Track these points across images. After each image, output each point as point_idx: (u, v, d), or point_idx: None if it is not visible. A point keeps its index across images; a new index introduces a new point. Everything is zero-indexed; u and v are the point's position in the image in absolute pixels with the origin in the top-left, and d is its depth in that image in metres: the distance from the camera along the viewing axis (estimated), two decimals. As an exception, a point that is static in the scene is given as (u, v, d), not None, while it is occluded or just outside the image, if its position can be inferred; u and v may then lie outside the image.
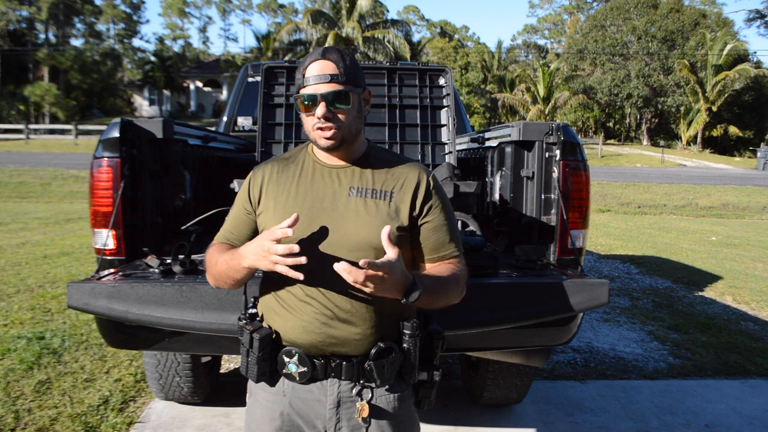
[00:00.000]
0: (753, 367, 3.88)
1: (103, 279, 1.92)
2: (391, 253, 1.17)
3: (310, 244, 1.29)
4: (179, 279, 1.96)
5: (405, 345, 1.36)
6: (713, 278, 6.58)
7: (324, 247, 1.31)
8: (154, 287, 1.83)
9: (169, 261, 2.06)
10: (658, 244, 8.92)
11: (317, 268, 1.27)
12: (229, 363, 3.78)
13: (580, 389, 3.47)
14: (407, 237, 1.37)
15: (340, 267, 1.11)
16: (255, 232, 1.42)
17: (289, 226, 1.20)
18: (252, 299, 1.49)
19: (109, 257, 2.18)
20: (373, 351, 1.33)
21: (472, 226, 2.54)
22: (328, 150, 1.35)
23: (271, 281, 1.37)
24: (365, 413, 1.35)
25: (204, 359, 2.90)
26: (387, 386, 1.39)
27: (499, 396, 3.01)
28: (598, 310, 5.03)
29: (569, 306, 1.96)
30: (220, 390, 3.28)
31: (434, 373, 1.43)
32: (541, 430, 2.98)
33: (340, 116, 1.32)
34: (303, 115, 1.35)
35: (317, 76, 1.30)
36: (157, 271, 2.02)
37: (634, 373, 3.75)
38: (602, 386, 3.52)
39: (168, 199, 2.45)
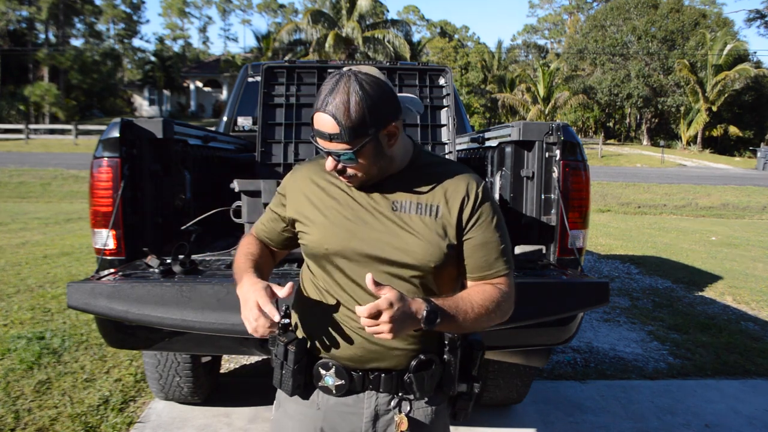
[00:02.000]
0: (753, 367, 3.88)
1: (103, 279, 1.92)
2: (382, 295, 1.11)
3: (350, 259, 1.26)
4: (179, 279, 1.96)
5: (445, 356, 1.31)
6: (713, 278, 6.58)
7: (364, 263, 1.25)
8: (154, 287, 1.83)
9: (169, 261, 2.06)
10: (658, 244, 8.92)
11: (356, 283, 1.26)
12: (229, 363, 3.78)
13: (580, 389, 3.47)
14: (454, 254, 1.28)
15: (360, 311, 1.11)
16: (289, 235, 1.41)
17: (281, 297, 1.20)
18: (284, 308, 1.40)
19: (109, 257, 2.18)
20: (413, 363, 1.29)
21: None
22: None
23: (309, 292, 1.35)
24: (404, 426, 1.31)
25: (204, 359, 2.90)
26: (426, 398, 1.34)
27: (499, 396, 3.01)
28: (598, 310, 5.03)
29: (569, 306, 1.96)
30: (220, 390, 3.28)
31: (474, 385, 1.38)
32: (541, 430, 2.97)
33: (352, 170, 1.23)
34: None
35: (319, 132, 1.19)
36: (157, 271, 2.02)
37: (634, 373, 3.75)
38: (602, 386, 3.52)
39: (168, 199, 2.44)
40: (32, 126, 28.32)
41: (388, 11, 40.72)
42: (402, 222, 1.26)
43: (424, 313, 1.15)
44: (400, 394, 1.32)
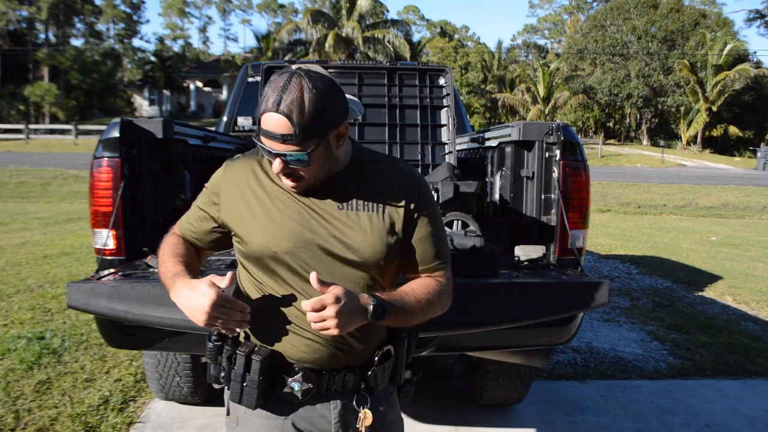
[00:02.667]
0: (753, 367, 3.88)
1: (103, 279, 1.92)
2: (327, 291, 1.11)
3: (300, 261, 1.22)
4: (179, 279, 1.96)
5: (399, 346, 1.35)
6: (713, 278, 6.58)
7: (314, 264, 1.22)
8: (154, 287, 1.83)
9: (169, 261, 2.06)
10: (658, 244, 8.92)
11: (309, 285, 1.20)
12: (229, 363, 3.78)
13: (580, 389, 3.47)
14: (398, 249, 1.28)
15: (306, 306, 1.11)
16: (219, 235, 1.34)
17: (227, 285, 1.14)
18: None
19: (109, 257, 2.18)
20: (377, 356, 1.31)
21: (472, 226, 2.54)
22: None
23: (255, 296, 1.28)
24: (368, 421, 1.30)
25: (204, 359, 2.90)
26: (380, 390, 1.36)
27: (499, 396, 3.01)
28: (598, 310, 5.03)
29: (569, 306, 1.96)
30: (220, 390, 3.27)
31: (418, 370, 1.43)
32: (541, 430, 2.97)
33: (301, 172, 1.18)
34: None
35: (269, 133, 1.12)
36: (157, 271, 2.02)
37: (634, 373, 3.75)
38: (602, 386, 3.52)
39: (168, 199, 2.45)
40: (32, 126, 28.32)
41: (388, 11, 40.74)
42: (349, 220, 1.24)
43: (371, 307, 1.15)
44: (362, 388, 1.32)
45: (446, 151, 3.36)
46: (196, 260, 1.38)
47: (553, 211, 2.38)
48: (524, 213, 2.50)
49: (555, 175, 2.34)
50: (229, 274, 1.15)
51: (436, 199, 2.54)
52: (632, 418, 3.11)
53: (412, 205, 1.28)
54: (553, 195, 2.38)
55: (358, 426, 1.32)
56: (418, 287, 1.28)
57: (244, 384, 1.25)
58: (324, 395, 1.31)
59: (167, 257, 1.31)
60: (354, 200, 1.25)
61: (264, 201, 1.25)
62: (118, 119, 2.18)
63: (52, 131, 28.80)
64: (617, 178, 18.63)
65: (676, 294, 5.82)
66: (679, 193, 16.08)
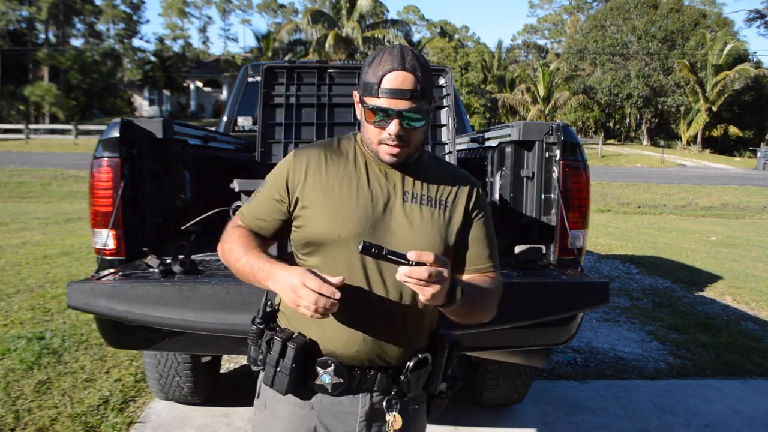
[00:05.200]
0: (753, 367, 3.88)
1: (103, 279, 1.92)
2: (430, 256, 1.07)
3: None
4: (179, 279, 1.96)
5: (438, 356, 1.34)
6: (713, 278, 6.58)
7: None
8: (154, 287, 1.83)
9: (169, 261, 2.06)
10: (658, 244, 8.92)
11: (365, 274, 1.24)
12: (229, 363, 3.78)
13: (580, 389, 3.47)
14: (453, 248, 1.32)
15: (403, 270, 1.04)
16: (287, 223, 1.32)
17: (337, 286, 1.12)
18: (270, 303, 1.37)
19: (109, 257, 2.18)
20: (411, 362, 1.30)
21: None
22: (388, 164, 1.27)
23: None
24: (398, 425, 1.30)
25: (204, 359, 2.90)
26: (412, 397, 1.35)
27: (499, 396, 3.01)
28: (598, 310, 5.03)
29: (569, 306, 1.96)
30: (220, 390, 3.28)
31: (455, 383, 1.40)
32: (541, 430, 2.98)
33: (412, 135, 1.23)
34: (367, 125, 1.24)
35: (396, 90, 1.18)
36: (157, 271, 2.02)
37: (634, 373, 3.75)
38: (602, 386, 3.52)
39: (168, 199, 2.45)
40: (32, 126, 28.32)
41: (388, 11, 40.76)
42: (413, 213, 1.28)
43: (454, 285, 1.13)
44: (393, 392, 1.31)
45: (446, 151, 3.36)
46: (266, 250, 1.38)
47: (553, 211, 2.38)
48: (524, 213, 2.50)
49: (555, 175, 2.34)
50: (341, 277, 1.15)
51: None
52: (632, 418, 3.11)
53: (472, 207, 1.33)
54: (553, 195, 2.38)
55: (386, 429, 1.31)
56: (479, 280, 1.30)
57: (278, 369, 1.27)
58: (354, 392, 1.31)
59: (243, 251, 1.27)
60: (419, 194, 1.30)
61: (333, 186, 1.27)
62: (118, 119, 2.18)
63: (52, 131, 28.80)
64: (617, 178, 18.64)
65: (676, 294, 5.82)
66: (679, 193, 16.08)
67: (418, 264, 1.06)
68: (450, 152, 3.29)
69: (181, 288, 1.85)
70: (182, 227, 2.43)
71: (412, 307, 1.27)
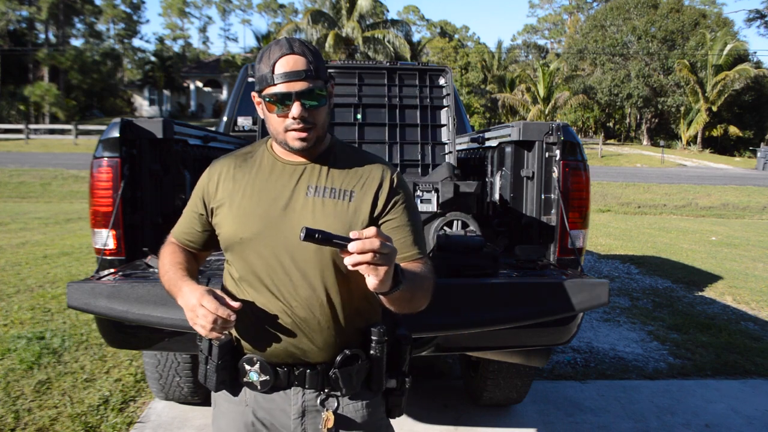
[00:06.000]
0: (753, 367, 3.88)
1: (103, 279, 1.92)
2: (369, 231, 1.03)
3: (265, 247, 1.25)
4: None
5: (372, 351, 1.30)
6: (713, 278, 6.58)
7: (279, 250, 1.24)
8: (154, 287, 1.83)
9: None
10: (658, 244, 8.92)
11: (273, 273, 1.24)
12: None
13: (580, 389, 3.47)
14: None
15: (353, 247, 1.00)
16: (211, 233, 1.37)
17: (233, 310, 1.16)
18: None
19: (109, 257, 2.18)
20: (338, 359, 1.28)
21: (472, 226, 2.54)
22: (299, 151, 1.27)
23: (229, 286, 1.34)
24: (330, 424, 1.30)
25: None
26: (353, 395, 1.33)
27: (499, 396, 3.01)
28: (598, 310, 5.03)
29: (569, 306, 1.96)
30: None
31: (405, 380, 1.37)
32: (541, 430, 2.97)
33: (315, 115, 1.24)
34: (270, 116, 1.25)
35: (290, 72, 1.20)
36: (157, 271, 2.02)
37: (634, 373, 3.75)
38: (602, 386, 3.52)
39: (168, 199, 2.45)
40: (32, 126, 28.33)
41: (388, 11, 40.79)
42: (315, 207, 1.26)
43: (396, 268, 1.09)
44: (326, 390, 1.31)
45: (446, 151, 3.36)
46: (195, 265, 1.43)
47: (553, 211, 2.38)
48: (524, 213, 2.51)
49: (555, 175, 2.34)
50: (237, 304, 1.19)
51: (436, 198, 2.54)
52: (632, 418, 3.11)
53: (383, 196, 1.29)
54: (553, 195, 2.38)
55: (320, 427, 1.31)
56: (412, 266, 1.25)
57: (207, 366, 1.31)
58: (285, 389, 1.31)
59: (168, 266, 1.34)
60: (323, 187, 1.28)
61: (238, 191, 1.31)
62: (118, 119, 2.18)
63: (52, 131, 28.81)
64: (617, 178, 18.63)
65: (676, 294, 5.82)
66: (679, 193, 16.08)
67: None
68: (450, 152, 3.29)
69: (181, 288, 1.85)
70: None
71: (332, 303, 1.26)
